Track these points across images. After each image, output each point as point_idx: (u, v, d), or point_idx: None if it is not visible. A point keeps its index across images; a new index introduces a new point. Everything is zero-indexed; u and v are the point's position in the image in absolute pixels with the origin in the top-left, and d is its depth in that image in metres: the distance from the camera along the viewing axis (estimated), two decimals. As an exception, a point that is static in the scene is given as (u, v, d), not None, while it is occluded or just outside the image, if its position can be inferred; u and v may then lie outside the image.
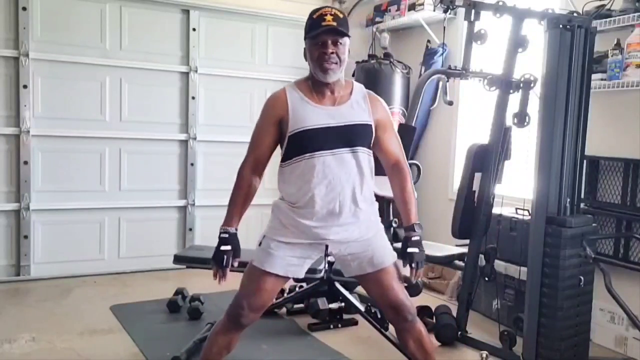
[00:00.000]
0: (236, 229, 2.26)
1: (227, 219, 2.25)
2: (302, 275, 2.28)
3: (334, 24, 2.14)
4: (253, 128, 2.29)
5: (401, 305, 2.25)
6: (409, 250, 2.22)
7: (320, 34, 2.15)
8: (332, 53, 2.16)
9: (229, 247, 2.19)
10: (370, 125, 2.23)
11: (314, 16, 2.19)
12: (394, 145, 2.32)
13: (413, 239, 2.24)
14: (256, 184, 2.29)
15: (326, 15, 2.16)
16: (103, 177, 4.58)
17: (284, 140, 2.21)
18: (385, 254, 2.27)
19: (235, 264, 2.21)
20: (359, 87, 2.30)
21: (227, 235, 2.21)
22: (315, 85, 2.23)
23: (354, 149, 2.20)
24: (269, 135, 2.22)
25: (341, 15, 2.19)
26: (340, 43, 2.18)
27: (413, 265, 2.21)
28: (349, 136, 2.19)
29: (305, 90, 2.23)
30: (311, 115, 2.17)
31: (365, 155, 2.23)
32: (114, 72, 4.53)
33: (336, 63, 2.17)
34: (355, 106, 2.23)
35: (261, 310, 2.25)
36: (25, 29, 4.23)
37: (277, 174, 2.30)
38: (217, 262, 2.20)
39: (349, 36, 2.19)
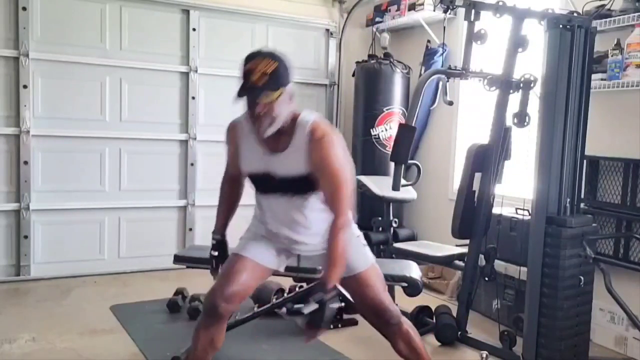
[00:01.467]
0: (222, 235, 2.44)
1: (215, 227, 2.45)
2: (278, 266, 2.35)
3: (257, 82, 1.97)
4: None
5: (381, 310, 2.26)
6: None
7: (239, 93, 2.02)
8: (261, 114, 2.02)
9: (216, 253, 2.40)
10: (305, 176, 2.10)
11: (243, 68, 2.01)
12: (327, 187, 2.09)
13: (307, 306, 2.00)
14: (237, 194, 2.43)
15: (248, 72, 1.98)
16: (103, 177, 4.57)
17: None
18: (358, 259, 2.26)
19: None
20: (302, 126, 2.09)
21: (214, 242, 2.42)
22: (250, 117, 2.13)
23: (291, 196, 2.18)
24: (234, 156, 2.29)
25: (272, 68, 1.98)
26: (272, 97, 2.00)
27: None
28: (285, 187, 2.17)
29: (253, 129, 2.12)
30: (252, 157, 2.19)
31: (306, 200, 2.17)
32: (114, 72, 4.53)
33: (270, 122, 2.03)
34: (295, 154, 2.09)
35: (235, 299, 2.20)
36: (25, 29, 4.23)
37: None
38: (210, 265, 2.41)
39: (276, 90, 1.99)
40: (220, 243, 2.42)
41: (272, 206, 2.23)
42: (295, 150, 2.09)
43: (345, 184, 2.06)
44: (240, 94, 2.02)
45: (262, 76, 1.97)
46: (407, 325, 2.34)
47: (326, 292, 1.96)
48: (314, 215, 2.19)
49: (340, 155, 2.07)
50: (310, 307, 1.93)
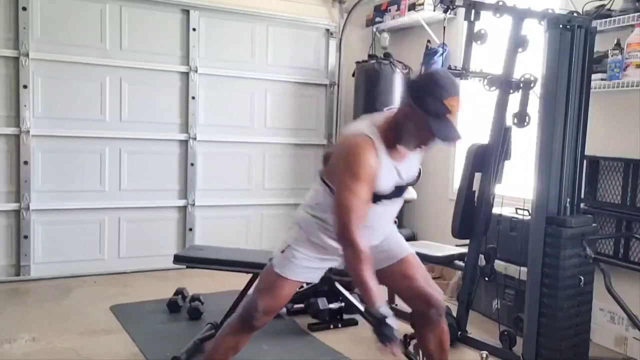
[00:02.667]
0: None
1: (374, 297, 1.98)
2: (317, 280, 2.37)
3: (456, 119, 2.02)
4: (344, 186, 1.99)
5: (431, 295, 2.27)
6: None
7: (444, 132, 1.99)
8: (434, 144, 2.09)
9: (395, 323, 1.98)
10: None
11: (445, 102, 1.95)
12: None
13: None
14: None
15: (454, 108, 1.98)
16: (103, 177, 4.58)
17: None
18: (402, 246, 2.32)
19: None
20: None
21: (389, 312, 1.99)
22: (395, 140, 2.07)
23: (401, 197, 2.24)
24: (369, 195, 2.03)
25: (462, 109, 2.04)
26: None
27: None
28: (403, 190, 2.21)
29: (388, 144, 2.05)
30: (390, 178, 2.09)
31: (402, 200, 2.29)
32: (114, 72, 4.53)
33: (429, 149, 2.16)
34: (413, 158, 2.21)
35: (274, 314, 2.27)
36: (25, 29, 4.23)
37: (320, 191, 2.19)
38: (388, 338, 1.97)
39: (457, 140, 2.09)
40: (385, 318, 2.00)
41: (382, 215, 2.20)
42: (414, 155, 2.20)
43: None
44: (457, 137, 2.04)
45: (456, 118, 2.02)
46: (445, 324, 2.36)
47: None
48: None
49: None
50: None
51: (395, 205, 2.24)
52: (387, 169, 2.06)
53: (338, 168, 2.05)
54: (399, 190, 2.18)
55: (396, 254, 2.28)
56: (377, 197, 2.08)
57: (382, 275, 2.29)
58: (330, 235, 2.16)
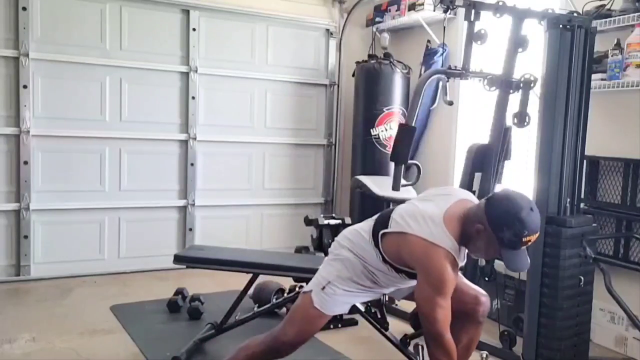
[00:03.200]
0: None
1: None
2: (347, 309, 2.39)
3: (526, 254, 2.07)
4: (435, 304, 2.04)
5: (481, 295, 2.33)
6: None
7: (514, 260, 2.03)
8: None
9: None
10: None
11: (524, 238, 1.98)
12: None
13: None
14: None
15: (530, 243, 2.01)
16: (103, 177, 4.57)
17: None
18: None
19: None
20: None
21: None
22: (463, 244, 2.09)
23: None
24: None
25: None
26: None
27: None
28: None
29: (458, 249, 2.08)
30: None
31: None
32: (114, 72, 4.53)
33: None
34: None
35: (301, 345, 2.29)
36: (25, 29, 4.23)
37: (372, 255, 2.20)
38: None
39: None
40: None
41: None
42: None
43: None
44: (521, 266, 2.06)
45: None
46: (481, 331, 2.40)
47: None
48: None
49: None
50: None
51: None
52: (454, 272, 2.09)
53: (421, 278, 2.07)
54: None
55: None
56: None
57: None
58: (372, 279, 2.22)
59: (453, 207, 2.10)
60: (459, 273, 2.27)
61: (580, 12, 3.16)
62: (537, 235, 2.02)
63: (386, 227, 2.14)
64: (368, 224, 2.25)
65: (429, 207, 2.11)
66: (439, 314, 2.02)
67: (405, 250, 2.08)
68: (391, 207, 3.61)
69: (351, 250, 2.23)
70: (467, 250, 2.15)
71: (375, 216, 2.28)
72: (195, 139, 4.83)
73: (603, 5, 3.20)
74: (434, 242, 2.01)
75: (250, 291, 3.36)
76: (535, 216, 1.99)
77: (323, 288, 2.21)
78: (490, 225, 1.99)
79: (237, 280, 3.22)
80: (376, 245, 2.16)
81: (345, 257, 2.23)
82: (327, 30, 5.36)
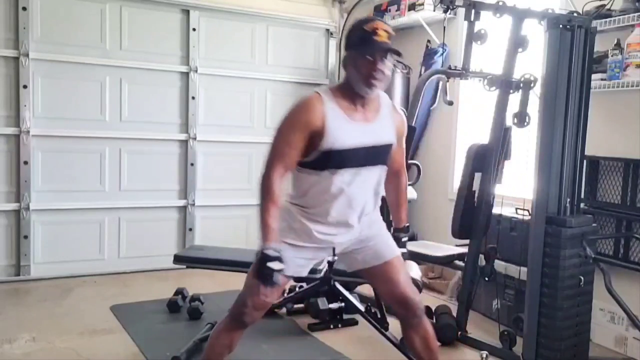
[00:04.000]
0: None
1: (270, 236, 2.04)
2: (305, 274, 2.34)
3: (388, 41, 2.11)
4: (278, 130, 2.15)
5: (409, 300, 2.27)
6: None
7: (375, 51, 2.08)
8: (381, 70, 2.10)
9: (280, 266, 1.99)
10: (393, 144, 2.26)
11: (366, 28, 2.10)
12: (400, 154, 2.38)
13: (402, 239, 2.43)
14: (282, 193, 2.20)
15: (378, 30, 2.09)
16: (103, 177, 4.58)
17: (312, 150, 2.12)
18: (389, 247, 2.31)
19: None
20: (385, 100, 2.27)
21: (276, 254, 2.00)
22: (350, 97, 2.15)
23: (377, 167, 2.22)
24: (301, 145, 2.10)
25: (391, 32, 2.13)
26: (388, 60, 2.12)
27: None
28: (375, 156, 2.20)
29: (340, 101, 2.13)
30: (346, 133, 2.11)
31: (383, 171, 2.26)
32: (114, 72, 4.53)
33: (381, 80, 2.12)
34: (384, 123, 2.22)
35: (264, 310, 2.25)
36: (25, 29, 4.23)
37: (294, 178, 2.22)
38: (269, 281, 2.01)
39: (401, 55, 2.14)
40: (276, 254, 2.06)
41: (356, 184, 2.16)
42: (385, 119, 2.22)
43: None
44: (385, 47, 2.09)
45: (390, 37, 2.11)
46: (427, 323, 2.36)
47: (404, 231, 2.46)
48: (379, 195, 2.27)
49: None
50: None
51: (371, 175, 2.20)
52: (340, 120, 2.10)
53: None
54: (369, 156, 2.16)
55: (382, 256, 2.28)
56: (342, 155, 2.10)
57: (366, 275, 2.36)
58: (312, 219, 2.18)
59: None
60: (402, 271, 2.29)
61: (580, 12, 3.16)
62: (378, 22, 2.12)
63: None
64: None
65: None
66: (277, 143, 2.12)
67: None
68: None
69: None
70: (371, 112, 2.17)
71: None
72: (195, 139, 4.83)
73: (603, 5, 3.20)
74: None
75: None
76: (372, 16, 2.14)
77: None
78: (346, 48, 2.17)
79: (237, 280, 3.19)
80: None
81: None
82: (327, 30, 5.36)
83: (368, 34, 2.08)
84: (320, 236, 2.19)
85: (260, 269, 1.99)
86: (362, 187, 2.19)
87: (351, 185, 2.15)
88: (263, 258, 1.99)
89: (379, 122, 2.20)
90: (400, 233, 2.44)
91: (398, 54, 2.12)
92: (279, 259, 2.00)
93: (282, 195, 2.14)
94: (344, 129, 2.10)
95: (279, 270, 1.99)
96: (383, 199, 2.39)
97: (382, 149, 2.22)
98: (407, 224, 2.50)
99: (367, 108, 2.17)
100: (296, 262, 2.20)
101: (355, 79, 2.12)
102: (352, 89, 2.13)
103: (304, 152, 2.12)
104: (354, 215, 2.19)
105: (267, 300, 2.20)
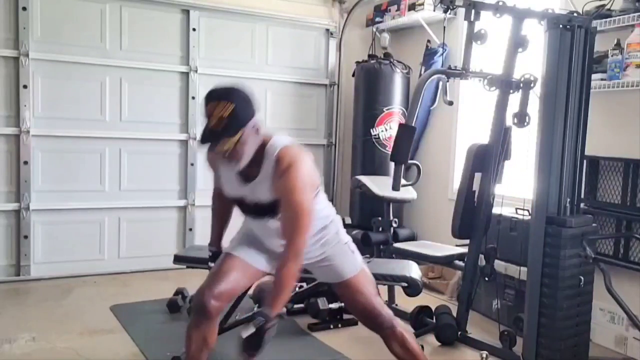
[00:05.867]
0: (218, 247, 2.54)
1: (211, 239, 2.60)
2: (270, 269, 2.30)
3: (218, 127, 1.95)
4: (305, 191, 2.08)
5: (373, 315, 2.30)
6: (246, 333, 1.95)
7: (204, 141, 2.00)
8: (226, 155, 2.02)
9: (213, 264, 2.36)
10: (276, 201, 2.11)
11: (204, 112, 2.00)
12: (283, 217, 2.09)
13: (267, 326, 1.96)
14: (228, 207, 2.45)
15: (210, 117, 1.97)
16: (103, 177, 4.58)
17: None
18: (347, 265, 2.32)
19: None
20: (270, 154, 2.08)
21: (211, 254, 2.53)
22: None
23: (267, 219, 2.21)
24: (216, 177, 2.37)
25: (229, 111, 1.95)
26: (232, 142, 1.98)
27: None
28: (259, 211, 2.21)
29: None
30: (229, 183, 2.24)
31: (277, 220, 2.16)
32: (114, 72, 4.53)
33: (237, 161, 2.04)
34: (263, 182, 2.11)
35: (224, 298, 2.22)
36: (25, 29, 4.23)
37: None
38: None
39: (235, 134, 1.98)
40: (216, 254, 2.45)
41: (253, 225, 2.32)
42: (264, 178, 2.10)
43: (303, 217, 2.03)
44: (202, 140, 2.01)
45: (219, 121, 1.96)
46: (401, 328, 2.36)
47: (268, 320, 1.94)
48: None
49: (302, 187, 2.04)
50: (248, 331, 1.92)
51: (270, 224, 2.19)
52: (225, 171, 2.21)
53: None
54: (256, 210, 2.19)
55: (340, 276, 2.31)
56: (232, 200, 2.27)
57: (334, 289, 2.43)
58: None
59: None
60: (362, 288, 2.30)
61: (580, 12, 3.16)
62: (212, 104, 1.98)
63: None
64: None
65: None
66: (305, 202, 2.03)
67: None
68: (390, 207, 3.62)
69: None
70: (252, 170, 2.11)
71: None
72: (195, 139, 4.82)
73: (603, 5, 3.20)
74: None
75: (250, 291, 3.35)
76: (214, 89, 2.04)
77: (232, 240, 2.41)
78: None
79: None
80: None
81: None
82: (327, 30, 5.36)
83: (205, 118, 2.00)
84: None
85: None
86: (265, 230, 2.27)
87: (254, 225, 2.32)
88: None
89: (258, 182, 2.13)
90: (260, 318, 1.95)
91: (216, 140, 1.99)
92: (213, 257, 2.46)
93: (224, 208, 2.53)
94: (227, 179, 2.24)
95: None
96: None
97: (263, 206, 2.17)
98: (275, 315, 2.00)
99: (249, 167, 2.10)
100: (252, 250, 2.32)
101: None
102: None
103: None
104: (273, 247, 2.25)
105: (220, 289, 2.21)
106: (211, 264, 2.41)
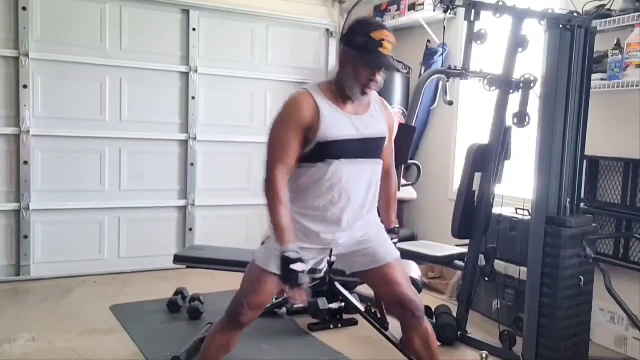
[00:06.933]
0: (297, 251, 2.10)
1: (288, 238, 2.06)
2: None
3: (391, 54, 2.11)
4: (272, 130, 2.14)
5: (408, 301, 2.26)
6: None
7: (378, 62, 2.08)
8: (378, 81, 2.13)
9: (303, 267, 2.05)
10: (386, 137, 2.29)
11: (373, 36, 2.07)
12: (389, 152, 2.38)
13: (392, 241, 2.35)
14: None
15: (384, 41, 2.07)
16: (103, 177, 4.57)
17: (307, 145, 2.13)
18: (388, 249, 2.31)
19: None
20: (375, 96, 2.28)
21: (297, 257, 2.04)
22: (341, 93, 2.16)
23: (371, 161, 2.23)
24: (298, 141, 2.11)
25: (394, 43, 2.11)
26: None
27: None
28: (369, 148, 2.22)
29: (330, 96, 2.15)
30: (339, 124, 2.13)
31: (379, 166, 2.27)
32: (114, 72, 4.53)
33: (376, 89, 2.17)
34: (375, 116, 2.24)
35: (261, 310, 2.24)
36: (25, 29, 4.23)
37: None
38: (294, 283, 2.03)
39: (400, 71, 2.21)
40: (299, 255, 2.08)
41: (351, 176, 2.16)
42: (376, 113, 2.24)
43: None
44: (387, 63, 2.11)
45: (392, 49, 2.10)
46: (427, 323, 2.35)
47: (394, 232, 2.40)
48: (375, 195, 2.27)
49: None
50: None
51: (366, 168, 2.21)
52: (333, 115, 2.12)
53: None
54: (363, 148, 2.18)
55: (381, 259, 2.27)
56: (339, 146, 2.12)
57: (366, 277, 2.37)
58: (309, 217, 2.18)
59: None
60: (401, 273, 2.29)
61: (580, 12, 3.16)
62: (385, 31, 2.08)
63: None
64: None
65: None
66: (274, 143, 2.11)
67: None
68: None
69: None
70: (362, 106, 2.19)
71: None
72: (195, 139, 4.83)
73: (603, 5, 3.20)
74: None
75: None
76: (378, 20, 2.14)
77: (262, 243, 2.25)
78: (345, 45, 2.14)
79: (237, 280, 3.19)
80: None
81: None
82: (327, 30, 5.36)
83: (374, 43, 2.06)
84: (317, 236, 2.18)
85: (285, 272, 2.00)
86: (357, 181, 2.19)
87: (346, 178, 2.15)
88: (285, 261, 2.00)
89: (370, 116, 2.22)
90: (390, 234, 2.39)
91: (399, 71, 2.17)
92: (300, 260, 2.03)
93: (287, 195, 2.13)
94: (337, 120, 2.13)
95: (303, 272, 2.01)
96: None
97: (375, 142, 2.23)
98: (397, 225, 2.46)
99: (357, 103, 2.19)
100: None
101: (351, 82, 2.12)
102: (343, 89, 2.14)
103: (301, 148, 2.13)
104: (351, 211, 2.18)
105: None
106: (298, 268, 2.01)
